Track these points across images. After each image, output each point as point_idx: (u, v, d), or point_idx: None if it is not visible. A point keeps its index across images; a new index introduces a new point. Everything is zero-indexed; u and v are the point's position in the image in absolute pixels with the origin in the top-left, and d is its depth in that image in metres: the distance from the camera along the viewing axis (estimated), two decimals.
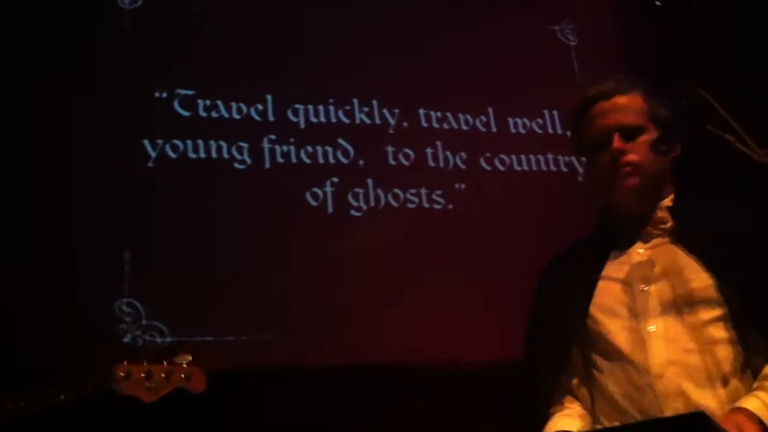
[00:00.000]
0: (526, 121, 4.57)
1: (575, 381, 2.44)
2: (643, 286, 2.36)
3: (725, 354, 2.26)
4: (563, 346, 2.42)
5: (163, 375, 2.53)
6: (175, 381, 2.54)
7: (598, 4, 4.45)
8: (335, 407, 3.85)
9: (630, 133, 2.38)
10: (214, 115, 4.25)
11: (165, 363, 2.56)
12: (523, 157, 4.50)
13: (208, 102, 4.24)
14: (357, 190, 4.32)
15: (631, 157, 2.36)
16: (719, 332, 2.27)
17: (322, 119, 4.35)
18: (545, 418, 2.41)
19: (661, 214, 2.41)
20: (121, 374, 2.51)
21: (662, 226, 2.40)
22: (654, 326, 2.31)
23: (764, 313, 2.22)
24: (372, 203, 4.31)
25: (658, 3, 3.92)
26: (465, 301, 4.08)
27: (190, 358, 2.56)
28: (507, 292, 3.66)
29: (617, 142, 2.36)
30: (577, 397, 2.44)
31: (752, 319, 2.24)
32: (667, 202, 2.43)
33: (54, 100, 4.03)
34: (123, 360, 2.54)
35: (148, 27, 4.25)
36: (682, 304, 2.30)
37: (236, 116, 4.26)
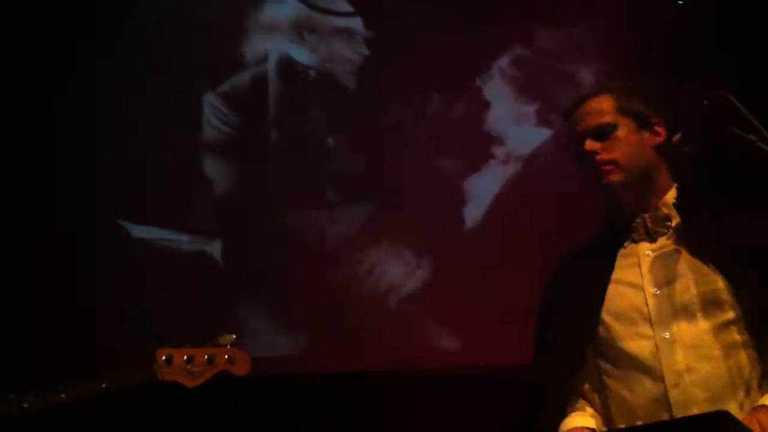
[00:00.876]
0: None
1: (587, 386, 2.45)
2: (654, 289, 2.36)
3: (739, 358, 2.27)
4: (576, 350, 2.42)
5: (205, 358, 2.46)
6: (219, 364, 2.47)
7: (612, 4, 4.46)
8: (350, 413, 3.93)
9: (602, 133, 2.41)
10: None
11: (207, 345, 2.48)
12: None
13: None
14: None
15: (604, 156, 2.39)
16: (732, 336, 2.28)
17: None
18: (561, 416, 2.41)
19: (665, 210, 2.42)
20: (163, 358, 2.44)
21: (668, 224, 2.41)
22: (668, 332, 2.30)
23: None
24: None
25: (680, 2, 3.92)
26: (480, 304, 4.10)
27: (233, 338, 2.49)
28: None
29: (588, 144, 2.41)
30: (588, 402, 2.45)
31: (766, 322, 2.24)
32: (670, 197, 2.43)
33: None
34: (165, 344, 2.47)
35: None
36: (695, 308, 2.30)
37: None
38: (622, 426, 2.32)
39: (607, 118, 2.42)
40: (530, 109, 4.49)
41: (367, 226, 4.31)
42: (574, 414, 2.40)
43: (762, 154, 2.10)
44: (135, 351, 2.53)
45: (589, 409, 2.42)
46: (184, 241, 4.26)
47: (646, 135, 2.42)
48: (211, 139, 4.36)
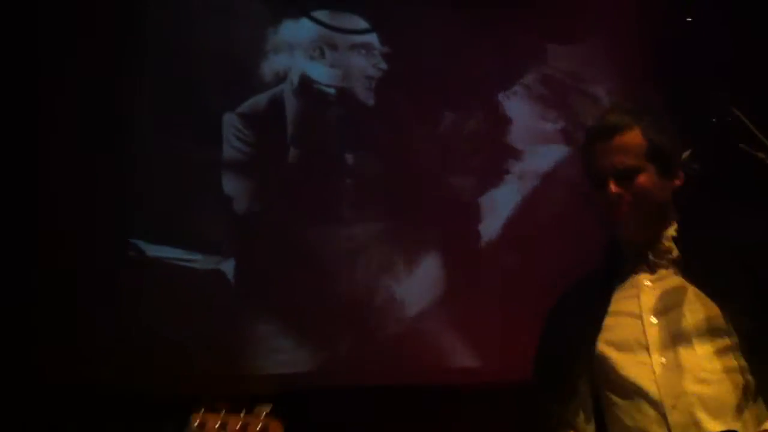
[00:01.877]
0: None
1: (582, 416, 2.46)
2: (653, 318, 2.40)
3: (737, 383, 2.30)
4: (569, 381, 2.45)
5: (237, 427, 2.43)
6: None
7: (622, 16, 4.47)
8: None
9: (627, 175, 2.41)
10: None
11: (243, 413, 2.46)
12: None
13: None
14: None
15: (627, 199, 2.40)
16: (730, 361, 2.31)
17: None
18: None
19: (666, 244, 2.46)
20: (196, 424, 2.43)
21: (668, 257, 2.45)
22: (665, 358, 2.35)
23: None
24: None
25: (689, 19, 3.95)
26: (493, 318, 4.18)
27: (269, 409, 2.46)
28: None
29: (613, 187, 2.41)
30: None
31: (763, 347, 2.29)
32: (671, 231, 2.47)
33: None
34: (201, 408, 2.45)
35: None
36: (691, 335, 2.34)
37: None
38: None
39: (634, 162, 2.42)
40: (547, 126, 4.53)
41: (383, 242, 4.37)
42: None
43: None
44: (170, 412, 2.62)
45: None
46: (198, 260, 4.29)
47: (667, 181, 2.45)
48: (229, 158, 4.41)
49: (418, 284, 4.35)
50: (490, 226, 4.44)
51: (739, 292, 2.32)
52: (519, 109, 4.56)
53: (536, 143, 4.55)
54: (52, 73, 4.29)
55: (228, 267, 4.30)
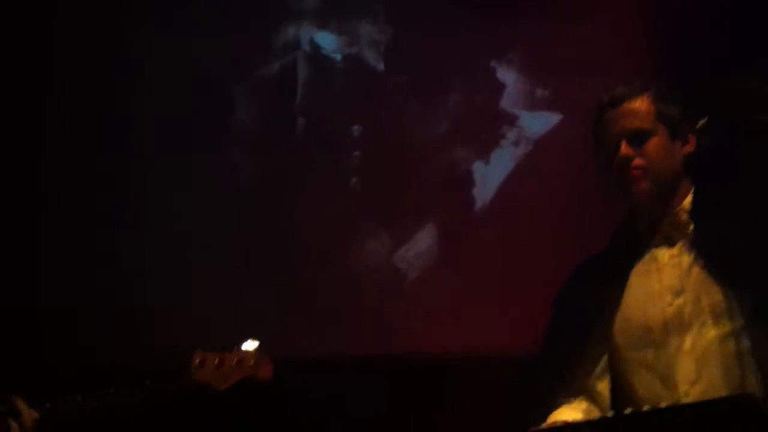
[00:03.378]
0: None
1: (597, 385, 2.50)
2: (669, 298, 2.42)
3: (752, 367, 2.33)
4: (585, 353, 2.48)
5: (234, 362, 2.62)
6: (245, 368, 2.63)
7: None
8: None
9: (638, 138, 2.43)
10: None
11: (234, 350, 2.64)
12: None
13: None
14: None
15: (638, 162, 2.41)
16: (743, 344, 2.34)
17: None
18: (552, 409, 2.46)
19: (682, 216, 2.46)
20: (197, 361, 2.60)
21: (684, 230, 2.45)
22: (680, 341, 2.38)
23: None
24: None
25: None
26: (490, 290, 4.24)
27: (257, 344, 2.65)
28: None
29: (624, 149, 2.42)
30: (594, 399, 2.49)
31: None
32: (687, 204, 2.47)
33: None
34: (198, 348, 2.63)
35: None
36: (706, 317, 2.36)
37: None
38: None
39: (645, 124, 2.44)
40: (544, 93, 4.54)
41: (382, 212, 4.46)
42: (563, 407, 2.46)
43: None
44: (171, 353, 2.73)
45: (584, 404, 2.48)
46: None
47: (679, 144, 2.46)
48: (238, 129, 4.50)
49: (419, 251, 4.42)
50: (485, 194, 4.50)
51: (751, 271, 2.33)
52: (516, 76, 4.57)
53: (531, 109, 4.57)
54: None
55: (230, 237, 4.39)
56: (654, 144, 2.44)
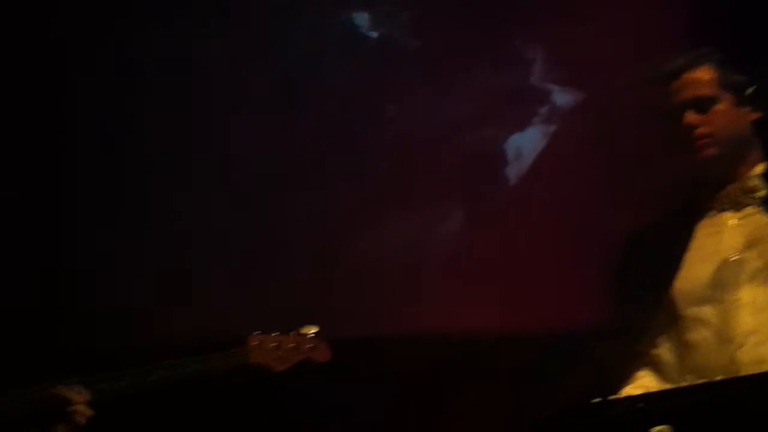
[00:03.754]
0: None
1: (661, 351, 2.52)
2: (732, 255, 2.44)
3: None
4: (645, 317, 2.49)
5: (292, 345, 2.65)
6: (303, 351, 2.66)
7: None
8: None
9: (702, 106, 2.46)
10: None
11: (293, 334, 2.68)
12: None
13: None
14: None
15: (703, 129, 2.45)
16: None
17: None
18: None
19: (753, 182, 2.48)
20: (255, 343, 2.62)
21: (754, 195, 2.48)
22: (737, 295, 2.41)
23: None
24: None
25: None
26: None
27: (317, 329, 2.68)
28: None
29: (689, 116, 2.45)
30: (659, 368, 2.52)
31: None
32: (759, 169, 2.50)
33: None
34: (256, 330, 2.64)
35: None
36: (766, 274, 2.39)
37: None
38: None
39: (708, 91, 2.47)
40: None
41: (409, 189, 4.45)
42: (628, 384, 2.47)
43: None
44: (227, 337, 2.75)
45: (647, 382, 2.49)
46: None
47: (744, 110, 2.49)
48: (266, 111, 4.48)
49: (449, 229, 4.43)
50: (517, 172, 4.51)
51: None
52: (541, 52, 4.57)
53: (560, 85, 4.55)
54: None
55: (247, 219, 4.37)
56: (719, 111, 2.47)
